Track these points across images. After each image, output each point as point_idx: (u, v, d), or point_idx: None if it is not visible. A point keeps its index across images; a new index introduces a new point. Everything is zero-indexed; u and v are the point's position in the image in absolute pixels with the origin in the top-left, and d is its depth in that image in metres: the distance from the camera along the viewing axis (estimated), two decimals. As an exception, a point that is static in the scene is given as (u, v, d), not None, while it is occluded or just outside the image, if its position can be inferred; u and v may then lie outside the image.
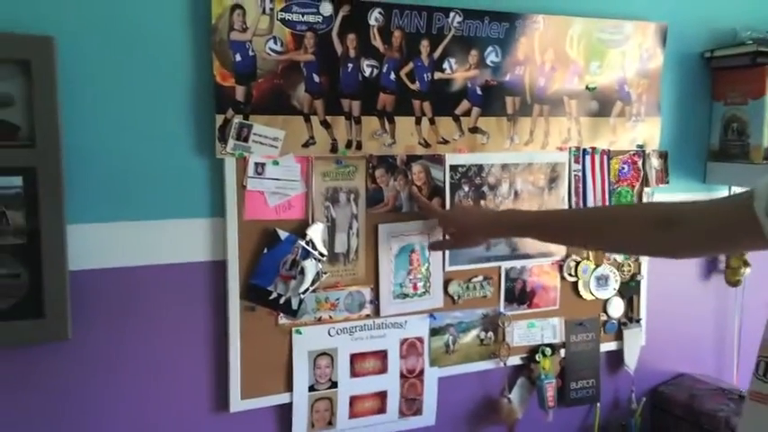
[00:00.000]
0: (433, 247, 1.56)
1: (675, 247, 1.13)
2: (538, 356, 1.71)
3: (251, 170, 1.38)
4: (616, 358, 1.83)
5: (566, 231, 1.36)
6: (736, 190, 1.92)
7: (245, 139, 1.37)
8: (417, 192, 1.53)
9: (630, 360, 1.83)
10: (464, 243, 1.53)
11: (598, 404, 1.81)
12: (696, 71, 1.86)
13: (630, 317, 1.82)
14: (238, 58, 1.34)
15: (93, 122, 1.28)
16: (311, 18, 1.39)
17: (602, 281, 1.76)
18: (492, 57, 1.56)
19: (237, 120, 1.35)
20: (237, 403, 1.43)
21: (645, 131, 1.76)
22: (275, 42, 1.37)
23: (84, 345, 1.32)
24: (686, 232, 1.08)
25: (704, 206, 1.08)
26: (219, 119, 1.34)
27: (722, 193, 1.91)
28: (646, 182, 1.78)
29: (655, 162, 1.78)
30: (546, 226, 1.38)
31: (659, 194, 1.80)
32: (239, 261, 1.40)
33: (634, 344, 1.83)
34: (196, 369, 1.42)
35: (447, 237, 1.54)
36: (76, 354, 1.32)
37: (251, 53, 1.35)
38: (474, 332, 1.64)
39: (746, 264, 1.89)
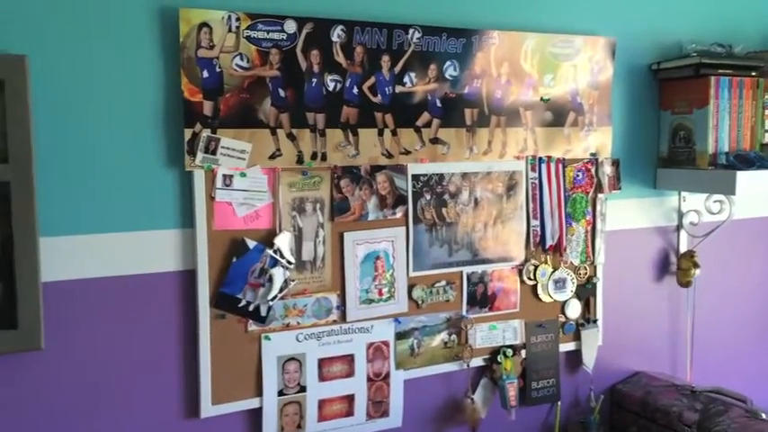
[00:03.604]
0: None
1: None
2: (500, 357, 1.76)
3: (219, 182, 1.43)
4: (575, 358, 1.90)
5: None
6: (685, 195, 2.02)
7: (213, 152, 1.41)
8: None
9: (588, 359, 1.90)
10: None
11: (558, 403, 1.88)
12: (644, 82, 1.95)
13: (587, 318, 1.89)
14: (206, 74, 1.39)
15: (65, 138, 1.32)
16: (276, 35, 1.44)
17: (560, 284, 1.83)
18: (450, 70, 1.63)
19: (205, 133, 1.40)
20: (208, 409, 1.47)
21: (597, 140, 1.84)
22: (242, 59, 1.42)
23: (57, 355, 1.35)
24: None
25: None
26: (188, 133, 1.39)
27: (672, 198, 2.01)
28: (599, 188, 1.86)
29: (607, 169, 1.86)
30: None
31: (612, 201, 1.88)
32: (209, 270, 1.44)
33: (592, 344, 1.90)
34: (167, 376, 1.45)
35: None
36: (49, 364, 1.34)
37: (218, 69, 1.40)
38: (438, 335, 1.70)
39: (697, 265, 1.98)
